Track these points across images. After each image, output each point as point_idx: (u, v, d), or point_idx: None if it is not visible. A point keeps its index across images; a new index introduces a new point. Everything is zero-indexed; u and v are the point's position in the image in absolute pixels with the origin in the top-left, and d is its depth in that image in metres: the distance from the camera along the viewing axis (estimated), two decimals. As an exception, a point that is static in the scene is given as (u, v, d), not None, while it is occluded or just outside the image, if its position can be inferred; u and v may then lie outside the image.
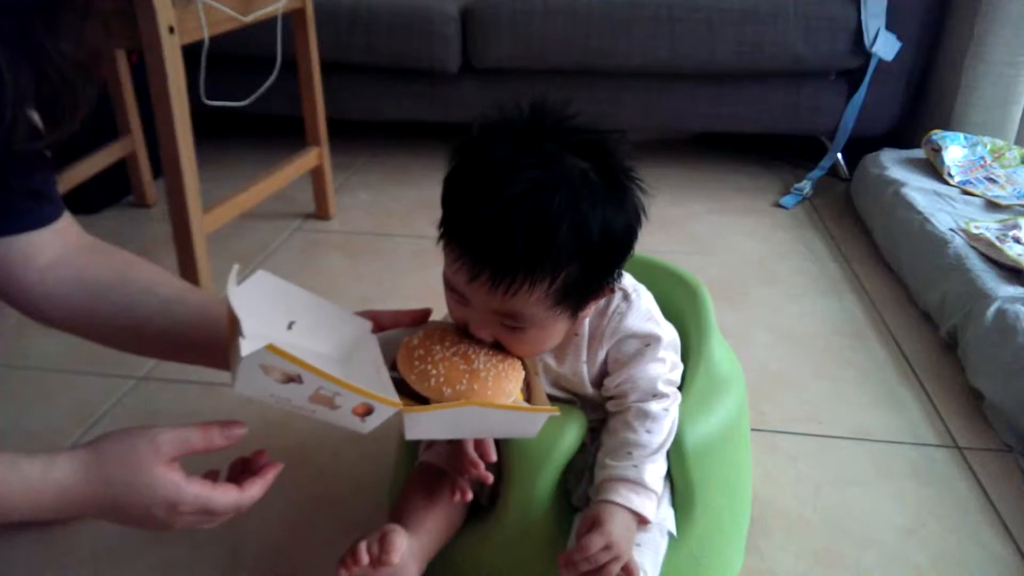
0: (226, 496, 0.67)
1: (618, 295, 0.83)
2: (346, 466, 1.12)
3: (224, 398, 1.26)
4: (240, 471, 0.72)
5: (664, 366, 0.83)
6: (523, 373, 0.76)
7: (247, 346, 0.62)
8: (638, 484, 0.77)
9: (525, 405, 0.74)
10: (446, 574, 0.87)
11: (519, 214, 0.67)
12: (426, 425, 0.70)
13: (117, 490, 0.63)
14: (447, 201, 0.73)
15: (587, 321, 0.83)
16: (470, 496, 0.79)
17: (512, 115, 0.73)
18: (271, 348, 0.60)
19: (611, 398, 0.84)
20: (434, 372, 0.71)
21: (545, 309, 0.72)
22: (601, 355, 0.83)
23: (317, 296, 0.79)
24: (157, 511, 0.65)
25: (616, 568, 0.73)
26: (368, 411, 0.66)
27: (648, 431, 0.80)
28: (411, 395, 0.72)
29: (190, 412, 1.24)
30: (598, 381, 0.85)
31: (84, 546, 0.97)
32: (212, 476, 0.69)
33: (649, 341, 0.82)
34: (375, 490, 1.07)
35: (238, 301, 0.67)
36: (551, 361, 0.85)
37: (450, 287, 0.75)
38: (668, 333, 0.85)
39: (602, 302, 0.82)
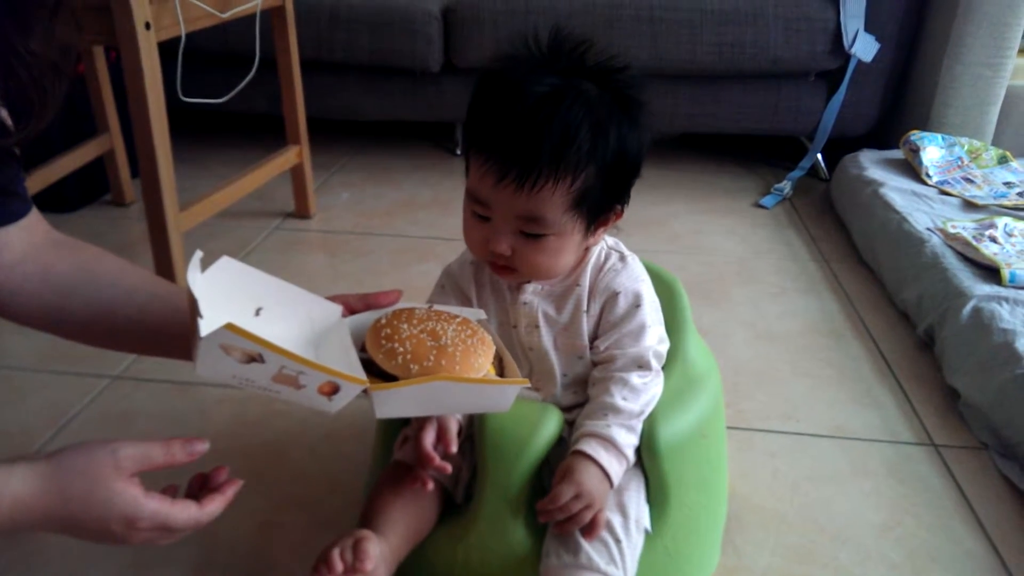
0: (185, 513, 0.66)
1: (615, 254, 0.89)
2: (322, 464, 1.12)
3: (199, 397, 1.25)
4: (199, 487, 0.71)
5: (653, 335, 0.86)
6: (493, 348, 0.76)
7: (206, 326, 0.61)
8: (608, 441, 0.80)
9: (495, 378, 0.74)
10: (420, 573, 0.86)
11: (544, 113, 0.74)
12: (395, 403, 0.70)
13: (74, 504, 0.62)
14: (473, 116, 0.80)
15: (588, 274, 0.87)
16: (431, 486, 0.79)
17: (531, 45, 0.80)
18: (230, 327, 0.59)
19: (598, 364, 0.87)
20: (401, 350, 0.71)
21: (563, 212, 0.78)
22: (596, 309, 0.87)
23: (284, 281, 0.79)
24: (114, 526, 0.64)
25: (588, 515, 0.77)
26: (334, 390, 0.66)
27: (624, 398, 0.82)
28: (381, 375, 0.71)
29: (165, 411, 1.23)
30: (593, 337, 0.88)
31: (54, 544, 0.96)
32: (171, 491, 0.68)
33: (638, 302, 0.86)
34: (350, 489, 1.06)
35: (202, 287, 0.66)
36: (552, 311, 0.87)
37: (474, 198, 0.80)
38: (653, 300, 0.88)
39: (601, 258, 0.88)
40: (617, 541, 0.79)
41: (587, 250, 0.87)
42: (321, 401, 0.67)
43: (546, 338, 0.87)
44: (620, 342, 0.85)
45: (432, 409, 0.75)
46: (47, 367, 1.32)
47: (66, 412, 1.22)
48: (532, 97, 0.74)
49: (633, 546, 0.81)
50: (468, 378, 0.71)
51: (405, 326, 0.74)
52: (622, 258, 0.89)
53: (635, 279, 0.87)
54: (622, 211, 0.84)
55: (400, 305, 0.82)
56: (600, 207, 0.81)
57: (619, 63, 0.79)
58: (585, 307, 0.87)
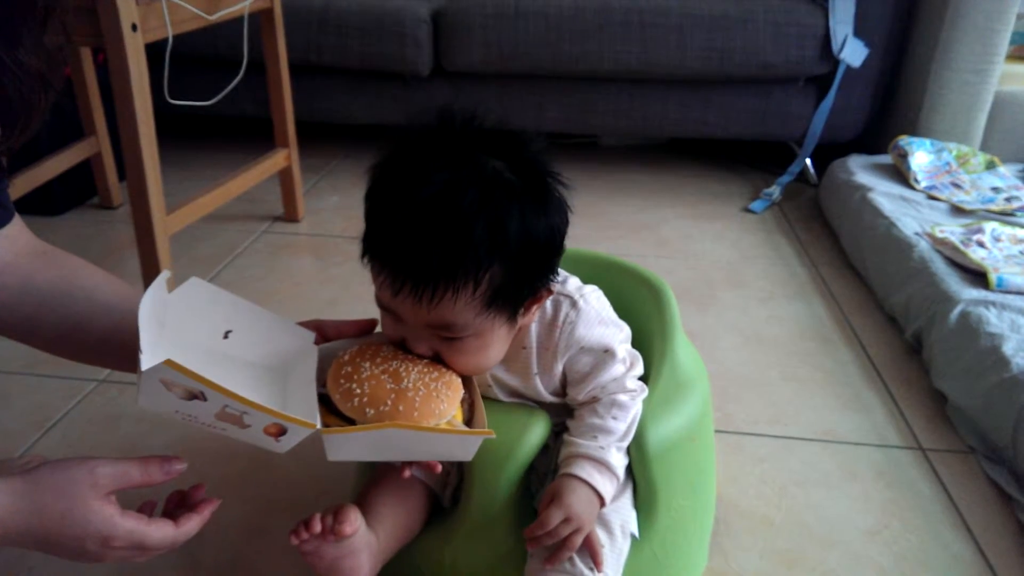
0: (161, 532, 0.66)
1: (566, 303, 0.80)
2: (308, 469, 1.11)
3: (186, 401, 1.24)
4: (176, 504, 0.71)
5: (625, 366, 0.83)
6: (461, 392, 0.73)
7: (146, 360, 0.59)
8: (602, 464, 0.78)
9: (454, 428, 0.70)
10: (407, 575, 0.86)
11: (430, 218, 0.66)
12: (347, 447, 0.67)
13: (51, 522, 0.62)
14: (366, 217, 0.72)
15: (534, 332, 0.81)
16: (407, 473, 0.76)
17: (423, 124, 0.72)
18: (170, 363, 0.58)
19: (579, 404, 0.84)
20: (359, 391, 0.68)
21: (476, 315, 0.70)
22: (558, 368, 0.82)
23: (255, 305, 0.77)
24: (90, 545, 0.63)
25: (578, 539, 0.74)
26: (281, 431, 0.64)
27: (614, 417, 0.80)
28: (339, 413, 0.69)
29: (150, 415, 1.21)
30: (559, 392, 0.85)
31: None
32: (148, 508, 0.68)
33: (607, 347, 0.81)
34: (337, 493, 1.05)
35: (152, 312, 0.64)
36: (501, 373, 0.84)
37: (381, 305, 0.74)
38: (619, 332, 0.84)
39: (549, 311, 0.81)
40: (600, 546, 0.78)
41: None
42: (268, 441, 0.65)
43: (504, 397, 0.85)
44: (600, 384, 0.81)
45: (387, 455, 0.72)
46: (32, 370, 1.31)
47: (52, 415, 1.21)
48: (416, 200, 0.66)
49: (618, 551, 0.80)
50: (423, 427, 0.68)
51: (367, 364, 0.71)
52: (574, 304, 0.80)
53: (595, 322, 0.80)
54: (550, 290, 0.77)
55: (372, 337, 0.80)
56: (519, 297, 0.73)
57: (523, 136, 0.71)
58: (535, 369, 0.82)
